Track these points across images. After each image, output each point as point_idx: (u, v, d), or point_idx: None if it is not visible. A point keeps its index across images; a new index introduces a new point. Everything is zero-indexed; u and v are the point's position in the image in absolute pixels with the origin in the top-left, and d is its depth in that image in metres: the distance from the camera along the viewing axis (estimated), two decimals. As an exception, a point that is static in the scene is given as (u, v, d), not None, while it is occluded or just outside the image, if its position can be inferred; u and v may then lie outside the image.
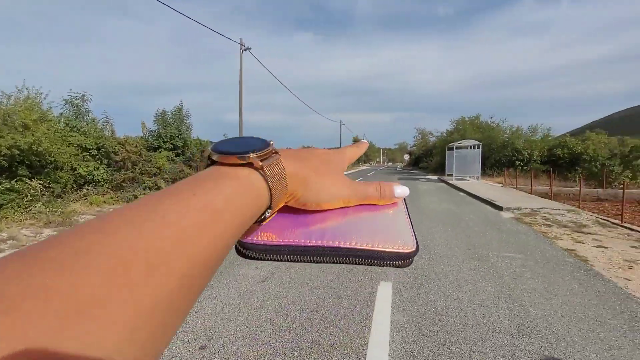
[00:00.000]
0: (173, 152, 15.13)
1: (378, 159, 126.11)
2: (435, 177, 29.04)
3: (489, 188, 17.54)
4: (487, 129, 32.00)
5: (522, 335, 3.18)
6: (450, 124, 40.07)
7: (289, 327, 3.29)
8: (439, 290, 4.21)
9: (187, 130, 16.49)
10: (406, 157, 77.16)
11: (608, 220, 8.84)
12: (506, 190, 16.81)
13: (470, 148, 24.27)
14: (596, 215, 9.91)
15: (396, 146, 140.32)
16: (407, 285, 4.38)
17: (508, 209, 10.47)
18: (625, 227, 7.95)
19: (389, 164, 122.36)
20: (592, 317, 3.51)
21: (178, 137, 15.55)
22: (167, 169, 13.33)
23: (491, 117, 34.46)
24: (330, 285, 4.37)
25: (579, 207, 11.02)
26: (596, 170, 21.80)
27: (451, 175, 24.04)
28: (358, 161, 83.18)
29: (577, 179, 18.52)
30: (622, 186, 10.70)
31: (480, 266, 5.13)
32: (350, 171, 46.46)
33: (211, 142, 19.95)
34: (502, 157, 26.64)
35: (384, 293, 4.10)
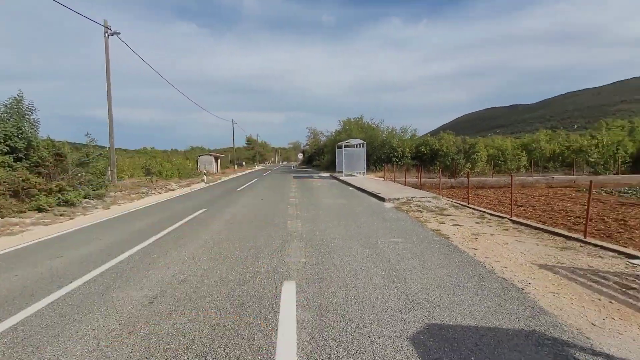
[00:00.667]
0: (11, 156, 11.77)
1: (273, 159, 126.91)
2: (327, 174, 30.98)
3: (373, 182, 19.72)
4: (369, 129, 35.94)
5: (408, 309, 3.64)
6: (339, 124, 43.37)
7: (187, 350, 2.94)
8: (339, 281, 4.47)
9: (31, 129, 13.08)
10: (300, 156, 79.97)
11: (459, 203, 11.06)
12: (386, 183, 19.19)
13: (357, 146, 26.81)
14: (451, 200, 12.27)
15: (290, 145, 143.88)
16: (310, 281, 4.49)
17: (389, 200, 11.97)
18: (470, 208, 10.09)
19: (284, 163, 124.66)
20: (455, 284, 4.29)
21: (18, 136, 12.17)
22: (1, 178, 10.26)
23: (372, 119, 38.87)
24: (231, 293, 4.12)
25: (439, 194, 13.43)
26: (449, 163, 27.07)
27: (341, 172, 26.07)
28: (253, 161, 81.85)
29: (436, 171, 22.53)
30: (466, 175, 13.54)
31: (372, 253, 5.69)
32: (245, 171, 45.34)
33: (69, 143, 16.35)
34: (382, 154, 30.35)
35: (288, 293, 4.10)
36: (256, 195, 15.46)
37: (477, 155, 27.59)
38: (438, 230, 7.29)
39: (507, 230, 7.15)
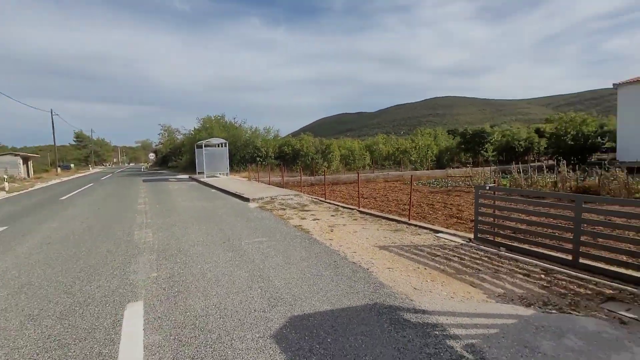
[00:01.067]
0: None
1: (115, 159, 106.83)
2: (186, 176, 28.33)
3: (237, 182, 19.23)
4: (231, 128, 34.88)
5: (272, 306, 3.66)
6: (198, 121, 40.33)
7: None
8: (198, 291, 4.09)
9: None
10: (151, 156, 70.04)
11: (318, 199, 12.06)
12: (251, 183, 19.08)
13: (219, 146, 25.55)
14: (312, 196, 13.25)
15: (138, 144, 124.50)
16: (163, 297, 3.93)
17: (254, 200, 11.91)
18: (327, 202, 11.16)
19: (131, 164, 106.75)
20: (315, 274, 4.61)
21: None
22: None
23: (234, 118, 37.88)
24: (46, 334, 3.15)
25: (301, 192, 14.29)
26: (309, 162, 29.25)
27: (202, 173, 24.30)
28: (87, 163, 66.60)
29: (298, 170, 23.92)
30: (323, 173, 14.88)
31: (235, 256, 5.48)
32: (75, 176, 36.49)
33: None
34: (246, 154, 30.03)
35: (133, 317, 3.47)
36: (91, 203, 12.60)
37: (332, 155, 30.92)
38: (300, 225, 7.71)
39: (356, 220, 8.24)
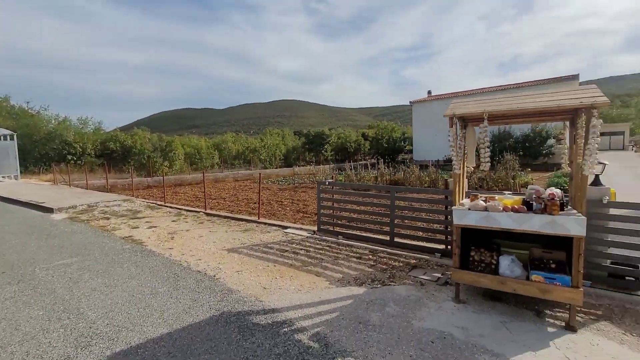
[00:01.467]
0: None
1: None
2: (-61, 181, 19.21)
3: (34, 188, 14.46)
4: (24, 116, 25.99)
5: (82, 348, 2.78)
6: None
7: None
8: (-59, 356, 2.67)
9: None
10: None
11: (156, 203, 10.45)
12: (58, 188, 14.74)
13: (1, 139, 18.54)
14: (147, 200, 11.36)
15: None
16: None
17: (61, 210, 9.16)
18: (167, 207, 9.80)
19: None
20: (148, 293, 3.83)
21: None
22: None
23: (28, 102, 28.37)
24: None
25: (133, 196, 12.04)
26: (144, 161, 25.21)
27: (-29, 176, 17.06)
28: None
29: (130, 170, 20.25)
30: (163, 174, 13.06)
31: (23, 289, 3.95)
32: None
33: None
34: (50, 150, 23.05)
35: None
36: None
37: (174, 153, 27.74)
38: (130, 236, 6.39)
39: (202, 223, 7.53)
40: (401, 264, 4.66)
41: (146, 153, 25.69)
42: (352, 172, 16.09)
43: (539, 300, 3.32)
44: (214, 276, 4.33)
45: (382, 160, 17.71)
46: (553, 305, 3.33)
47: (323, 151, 36.86)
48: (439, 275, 4.24)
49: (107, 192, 13.41)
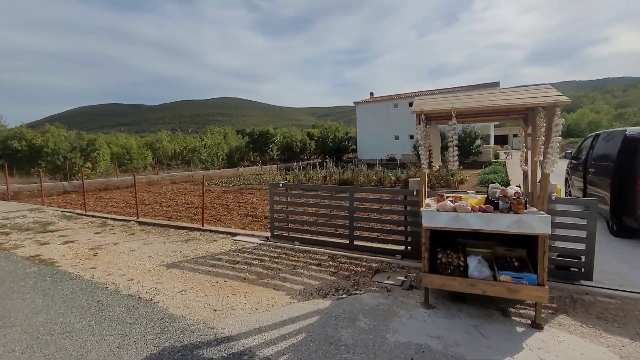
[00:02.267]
0: None
1: None
2: None
3: None
4: None
5: None
6: None
7: None
8: None
9: None
10: None
11: (74, 212, 8.90)
12: (-61, 197, 11.90)
13: None
14: (62, 209, 9.66)
15: None
16: None
17: (-61, 225, 7.26)
18: (89, 216, 8.39)
19: None
20: (60, 331, 3.01)
21: None
22: None
23: None
24: None
25: (43, 204, 10.17)
26: (60, 163, 21.82)
27: None
28: None
29: (39, 174, 17.29)
30: (83, 178, 11.28)
31: None
32: None
33: None
34: None
35: None
36: None
37: (98, 153, 24.50)
38: (37, 255, 5.21)
39: (133, 234, 6.51)
40: (363, 269, 4.43)
41: (62, 153, 22.25)
42: (300, 172, 15.75)
43: (501, 299, 3.32)
44: (151, 300, 3.62)
45: (329, 159, 17.69)
46: (515, 302, 3.35)
47: (269, 151, 35.95)
48: (403, 278, 4.09)
49: (7, 200, 11.15)
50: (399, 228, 5.02)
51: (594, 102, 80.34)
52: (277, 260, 4.82)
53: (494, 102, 2.95)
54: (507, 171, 15.87)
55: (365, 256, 4.85)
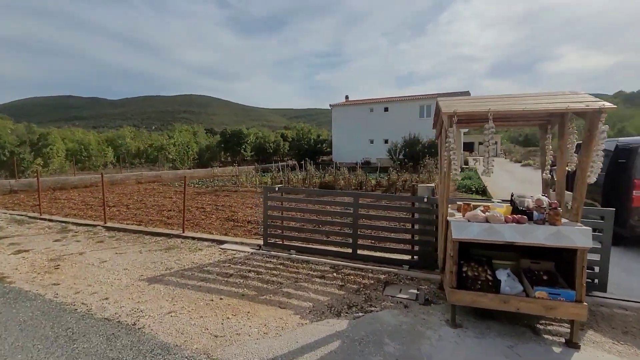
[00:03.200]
0: None
1: None
2: None
3: None
4: None
5: None
6: None
7: None
8: None
9: None
10: None
11: (26, 215, 7.79)
12: None
13: None
14: (12, 211, 8.45)
15: None
16: None
17: None
18: (45, 219, 7.37)
19: None
20: (19, 373, 2.38)
21: None
22: None
23: None
24: None
25: (-12, 205, 8.86)
26: (5, 158, 19.52)
27: None
28: None
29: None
30: (35, 175, 10.00)
31: None
32: None
33: None
34: None
35: None
36: None
37: (51, 148, 22.25)
38: (-17, 269, 4.34)
39: (102, 242, 5.73)
40: (372, 281, 4.11)
41: (8, 147, 19.94)
42: (279, 173, 15.23)
43: (528, 315, 3.14)
44: (134, 324, 3.05)
45: (308, 161, 17.31)
46: (542, 318, 3.19)
47: (242, 151, 34.83)
48: (416, 291, 3.81)
49: (-58, 200, 9.61)
50: (406, 237, 4.76)
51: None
52: (275, 272, 4.36)
53: (533, 106, 2.76)
54: (479, 176, 16.40)
55: (369, 267, 4.54)
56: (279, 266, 4.57)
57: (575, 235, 2.69)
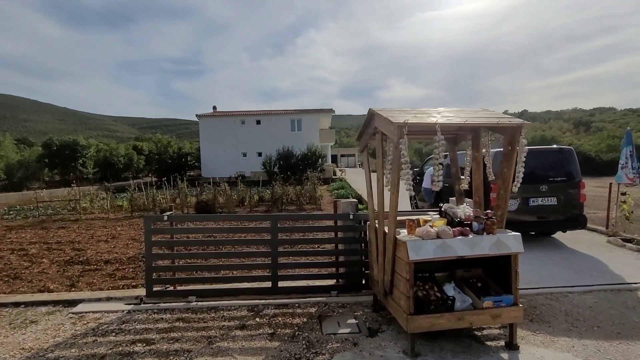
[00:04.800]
0: None
1: None
2: None
3: None
4: None
5: None
6: None
7: None
8: None
9: None
10: None
11: None
12: None
13: None
14: None
15: None
16: None
17: None
18: None
19: None
20: None
21: None
22: None
23: None
24: None
25: None
26: None
27: None
28: None
29: None
30: None
31: None
32: None
33: None
34: None
35: None
36: None
37: None
38: None
39: None
40: (304, 318, 3.47)
41: None
42: (142, 193, 12.51)
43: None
44: None
45: (181, 178, 14.98)
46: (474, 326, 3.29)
47: (80, 167, 27.54)
48: (354, 321, 3.42)
49: None
50: (329, 259, 4.33)
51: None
52: (174, 334, 3.14)
53: (472, 120, 2.81)
54: (350, 186, 17.96)
55: (295, 300, 3.88)
56: (177, 324, 3.34)
57: (510, 241, 2.85)
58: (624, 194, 6.75)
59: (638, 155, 6.47)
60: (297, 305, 3.78)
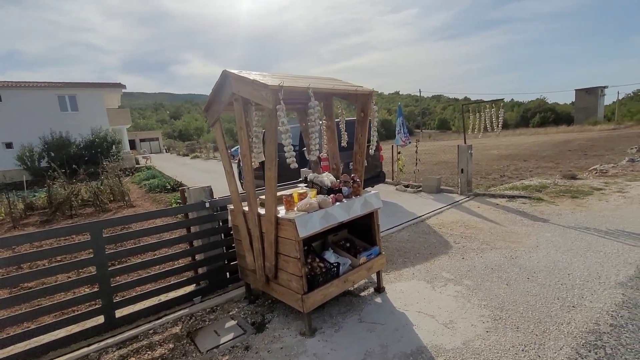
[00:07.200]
0: None
1: None
2: None
3: None
4: None
5: None
6: None
7: None
8: None
9: None
10: None
11: None
12: None
13: None
14: None
15: None
16: None
17: None
18: None
19: None
20: None
21: None
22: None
23: None
24: None
25: None
26: None
27: None
28: None
29: None
30: None
31: None
32: None
33: None
34: None
35: None
36: None
37: None
38: None
39: None
40: (169, 345, 2.68)
41: None
42: None
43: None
44: None
45: None
46: (346, 280, 3.55)
47: None
48: (234, 322, 2.96)
49: None
50: (188, 262, 3.50)
51: (190, 112, 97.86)
52: None
53: (338, 86, 2.79)
54: (163, 173, 15.64)
55: (145, 327, 2.93)
56: None
57: (373, 199, 3.15)
58: (399, 152, 9.09)
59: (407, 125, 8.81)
60: (151, 332, 2.86)
